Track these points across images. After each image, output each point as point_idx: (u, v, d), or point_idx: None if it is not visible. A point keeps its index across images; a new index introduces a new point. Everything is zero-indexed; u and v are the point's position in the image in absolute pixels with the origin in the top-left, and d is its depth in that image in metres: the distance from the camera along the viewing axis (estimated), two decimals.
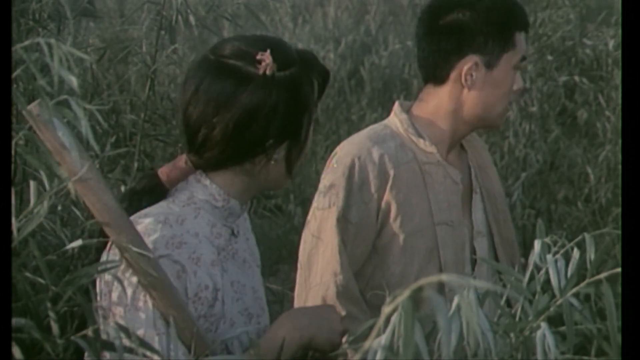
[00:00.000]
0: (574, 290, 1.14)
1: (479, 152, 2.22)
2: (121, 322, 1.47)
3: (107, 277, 1.49)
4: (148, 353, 1.29)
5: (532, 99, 4.77)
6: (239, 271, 1.65)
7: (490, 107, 2.08)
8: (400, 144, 2.07)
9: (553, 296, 1.16)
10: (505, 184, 4.53)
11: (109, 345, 1.22)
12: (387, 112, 2.18)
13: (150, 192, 1.60)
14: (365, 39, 7.29)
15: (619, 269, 1.14)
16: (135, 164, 2.98)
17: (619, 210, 4.17)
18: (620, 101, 4.44)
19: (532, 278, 1.18)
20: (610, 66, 4.83)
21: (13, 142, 1.22)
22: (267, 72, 1.56)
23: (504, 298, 1.20)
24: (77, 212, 2.50)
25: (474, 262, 2.12)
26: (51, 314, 1.22)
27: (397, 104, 2.15)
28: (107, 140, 3.20)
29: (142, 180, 1.64)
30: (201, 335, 1.49)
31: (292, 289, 2.15)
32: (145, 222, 1.53)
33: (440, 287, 1.90)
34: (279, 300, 3.52)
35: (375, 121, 2.22)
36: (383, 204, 2.02)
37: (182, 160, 1.62)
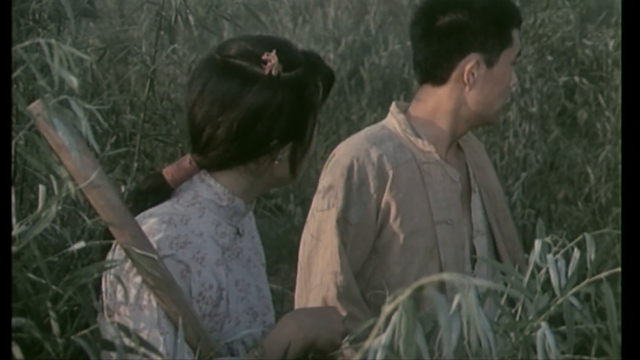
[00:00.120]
0: (574, 289, 1.15)
1: (475, 151, 2.23)
2: (126, 321, 1.47)
3: (112, 276, 1.50)
4: (147, 351, 1.29)
5: (532, 100, 4.77)
6: (243, 270, 1.65)
7: (489, 104, 2.09)
8: (398, 144, 2.07)
9: (553, 296, 1.16)
10: (505, 184, 4.53)
11: (109, 345, 1.22)
12: (387, 112, 2.18)
13: (155, 192, 1.61)
14: (365, 39, 7.29)
15: (619, 269, 1.14)
16: (135, 164, 2.98)
17: (619, 210, 4.17)
18: (620, 101, 4.44)
19: (532, 277, 1.18)
20: (610, 66, 4.83)
21: (13, 142, 1.22)
22: (273, 73, 1.56)
23: (505, 297, 1.20)
24: (78, 212, 2.50)
25: (474, 261, 2.12)
26: (51, 313, 1.22)
27: (394, 104, 2.16)
28: (107, 140, 3.20)
29: (147, 180, 1.64)
30: (206, 335, 1.49)
31: (292, 289, 2.15)
32: (150, 222, 1.53)
33: (441, 287, 1.91)
34: (279, 299, 3.52)
35: (375, 121, 2.22)
36: (382, 204, 2.03)
37: (187, 160, 1.62)
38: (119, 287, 1.49)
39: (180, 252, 1.52)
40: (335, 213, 2.00)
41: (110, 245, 1.49)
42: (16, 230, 1.19)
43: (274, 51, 1.57)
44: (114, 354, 1.22)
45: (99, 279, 1.53)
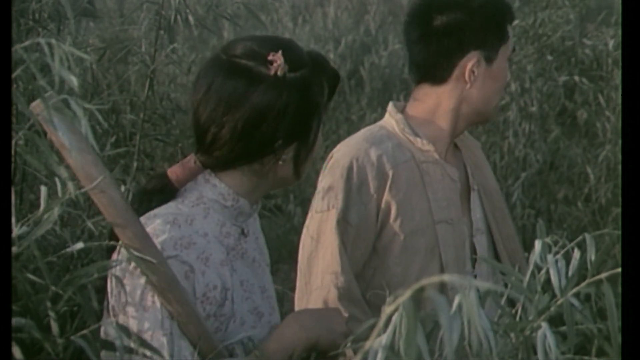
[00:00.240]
0: (575, 290, 1.14)
1: (472, 150, 2.23)
2: (130, 322, 1.48)
3: (117, 276, 1.50)
4: (151, 353, 1.29)
5: (532, 99, 4.77)
6: (248, 270, 1.65)
7: (488, 101, 2.10)
8: (397, 144, 2.07)
9: (554, 296, 1.16)
10: (505, 184, 4.53)
11: (110, 346, 1.22)
12: (386, 112, 2.18)
13: (160, 192, 1.61)
14: (365, 39, 7.30)
15: (619, 269, 1.14)
16: (135, 164, 2.98)
17: (619, 210, 4.17)
18: (620, 101, 4.44)
19: (532, 278, 1.18)
20: (610, 66, 4.82)
21: (13, 142, 1.22)
22: (279, 73, 1.56)
23: (505, 297, 1.20)
24: (78, 212, 2.50)
25: (474, 260, 2.12)
26: (51, 314, 1.22)
27: (391, 104, 2.16)
28: (107, 140, 3.20)
29: (152, 180, 1.64)
30: (209, 335, 1.49)
31: (292, 289, 2.15)
32: (154, 223, 1.53)
33: (442, 287, 1.90)
34: (279, 299, 3.52)
35: (375, 121, 2.22)
36: (382, 204, 2.02)
37: (191, 160, 1.62)
38: (124, 288, 1.49)
39: (185, 253, 1.52)
40: (335, 214, 2.00)
41: (115, 245, 1.49)
42: (16, 231, 1.19)
43: (280, 51, 1.57)
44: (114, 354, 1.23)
45: (104, 280, 1.54)
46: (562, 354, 1.10)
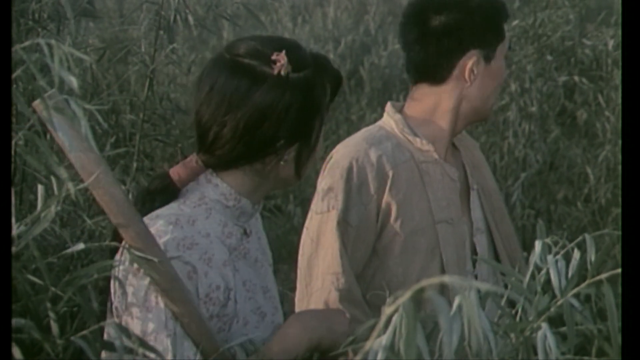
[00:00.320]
0: (575, 290, 1.14)
1: (470, 150, 2.24)
2: (134, 322, 1.48)
3: (120, 277, 1.50)
4: (155, 356, 1.29)
5: (532, 99, 4.76)
6: (250, 270, 1.65)
7: (487, 99, 2.11)
8: (396, 144, 2.07)
9: (554, 297, 1.16)
10: (505, 184, 4.53)
11: (109, 346, 1.22)
12: None
13: (163, 192, 1.61)
14: (365, 39, 7.30)
15: (619, 270, 1.14)
16: (135, 164, 2.98)
17: (619, 210, 4.17)
18: (620, 101, 4.44)
19: (532, 278, 1.18)
20: (610, 66, 4.82)
21: (13, 142, 1.22)
22: (282, 73, 1.56)
23: (505, 298, 1.20)
24: (78, 213, 2.50)
25: (475, 260, 2.12)
26: (51, 314, 1.22)
27: (389, 104, 2.16)
28: (106, 140, 3.20)
29: (154, 180, 1.64)
30: (212, 335, 1.49)
31: (292, 289, 2.15)
32: (157, 224, 1.53)
33: (442, 287, 1.90)
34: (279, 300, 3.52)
35: (375, 121, 2.22)
36: (383, 205, 2.02)
37: (193, 159, 1.62)
38: (127, 289, 1.49)
39: (187, 254, 1.52)
40: (335, 215, 1.99)
41: (117, 246, 1.49)
42: (16, 230, 1.19)
43: (284, 51, 1.57)
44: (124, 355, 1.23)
45: (108, 281, 1.54)
46: (562, 354, 1.10)
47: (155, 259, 1.39)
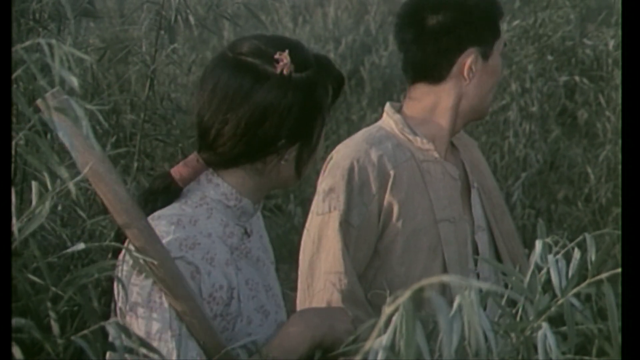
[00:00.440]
0: (575, 290, 1.14)
1: (469, 148, 2.24)
2: (139, 322, 1.48)
3: (123, 278, 1.50)
4: (155, 355, 1.29)
5: (532, 99, 4.76)
6: (252, 270, 1.65)
7: (484, 96, 2.12)
8: (396, 144, 2.08)
9: (554, 296, 1.16)
10: (505, 184, 4.53)
11: (110, 346, 1.22)
12: None
13: (165, 192, 1.61)
14: (365, 39, 7.29)
15: (619, 269, 1.14)
16: (135, 164, 2.98)
17: (619, 210, 4.17)
18: (620, 101, 4.44)
19: (533, 278, 1.18)
20: (610, 66, 4.82)
21: (13, 142, 1.22)
22: (284, 72, 1.56)
23: (505, 298, 1.20)
24: (79, 212, 2.50)
25: (476, 258, 2.12)
26: (51, 314, 1.22)
27: (388, 105, 2.16)
28: (107, 140, 3.20)
29: (156, 180, 1.64)
30: (215, 333, 1.49)
31: (292, 289, 2.15)
32: (158, 224, 1.53)
33: (443, 287, 1.90)
34: None
35: (376, 121, 2.22)
36: (384, 205, 2.02)
37: (194, 158, 1.63)
38: (131, 290, 1.49)
39: (190, 254, 1.52)
40: (337, 216, 1.99)
41: (119, 246, 1.49)
42: (15, 228, 1.19)
43: (287, 51, 1.57)
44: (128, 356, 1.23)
45: (111, 282, 1.54)
46: (562, 354, 1.10)
47: (157, 259, 1.39)
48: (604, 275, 1.13)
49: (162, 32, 2.93)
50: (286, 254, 4.41)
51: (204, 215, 1.59)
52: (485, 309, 1.16)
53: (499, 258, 2.17)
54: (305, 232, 2.07)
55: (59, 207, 2.48)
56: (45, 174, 1.20)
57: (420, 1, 2.09)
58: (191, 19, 2.86)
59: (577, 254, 1.19)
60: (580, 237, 1.21)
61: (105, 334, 1.21)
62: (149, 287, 1.47)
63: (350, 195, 2.00)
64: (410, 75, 2.13)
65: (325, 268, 2.00)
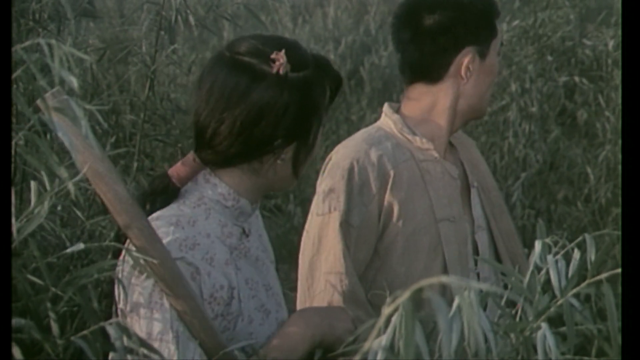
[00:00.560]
0: (575, 290, 1.14)
1: (468, 148, 2.24)
2: (141, 322, 1.48)
3: (124, 279, 1.50)
4: (155, 355, 1.29)
5: (532, 100, 4.76)
6: (251, 269, 1.65)
7: (482, 95, 2.12)
8: (396, 144, 2.08)
9: (553, 297, 1.16)
10: (505, 184, 4.53)
11: (110, 347, 1.22)
12: None
13: (163, 192, 1.61)
14: (365, 39, 7.29)
15: (619, 270, 1.14)
16: (135, 164, 2.98)
17: (619, 210, 4.17)
18: (620, 101, 4.44)
19: (532, 278, 1.18)
20: (610, 66, 4.82)
21: (13, 142, 1.22)
22: (281, 72, 1.57)
23: (505, 298, 1.20)
24: (78, 213, 2.50)
25: (476, 258, 2.12)
26: (51, 314, 1.22)
27: (386, 105, 2.17)
28: (107, 140, 3.20)
29: (154, 181, 1.65)
30: (216, 333, 1.49)
31: (292, 289, 2.14)
32: (157, 225, 1.53)
33: (443, 287, 1.90)
34: None
35: (375, 121, 2.22)
36: (385, 205, 2.02)
37: (192, 157, 1.63)
38: (132, 291, 1.49)
39: (190, 255, 1.52)
40: (337, 216, 1.99)
41: (119, 247, 1.49)
42: (14, 228, 1.19)
43: (283, 51, 1.58)
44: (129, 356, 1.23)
45: (112, 284, 1.54)
46: (562, 354, 1.10)
47: (157, 259, 1.39)
48: (603, 276, 1.13)
49: (162, 32, 2.93)
50: (286, 254, 4.41)
51: (203, 215, 1.59)
52: (485, 309, 1.16)
53: (498, 258, 2.17)
54: (305, 232, 2.07)
55: (59, 207, 2.48)
56: (45, 174, 1.20)
57: (416, 1, 2.09)
58: (191, 19, 2.86)
59: (576, 254, 1.19)
60: (580, 238, 1.21)
61: (105, 335, 1.21)
62: (150, 288, 1.47)
63: (350, 195, 2.00)
64: (408, 75, 2.13)
65: (326, 269, 2.00)
